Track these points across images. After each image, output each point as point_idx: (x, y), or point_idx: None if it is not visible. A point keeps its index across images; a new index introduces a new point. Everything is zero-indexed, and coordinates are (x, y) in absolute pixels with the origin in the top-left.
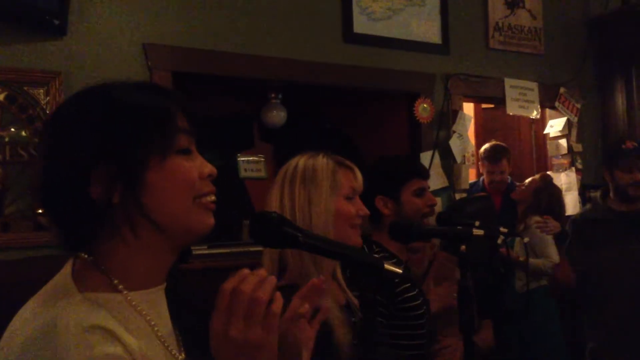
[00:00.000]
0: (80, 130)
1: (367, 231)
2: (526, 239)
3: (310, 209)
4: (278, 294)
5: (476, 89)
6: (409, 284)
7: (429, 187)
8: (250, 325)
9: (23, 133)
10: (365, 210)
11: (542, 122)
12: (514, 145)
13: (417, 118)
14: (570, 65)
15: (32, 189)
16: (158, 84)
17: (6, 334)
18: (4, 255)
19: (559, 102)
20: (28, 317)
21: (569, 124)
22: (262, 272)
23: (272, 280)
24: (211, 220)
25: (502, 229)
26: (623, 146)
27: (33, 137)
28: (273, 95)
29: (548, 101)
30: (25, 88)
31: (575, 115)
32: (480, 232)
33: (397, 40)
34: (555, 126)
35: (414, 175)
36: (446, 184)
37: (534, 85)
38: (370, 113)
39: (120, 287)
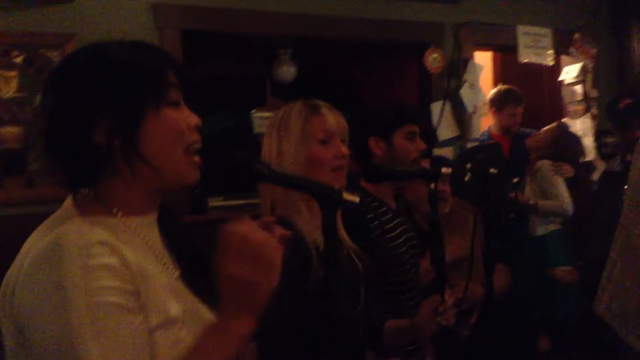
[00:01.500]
0: (82, 85)
1: (355, 178)
2: (515, 179)
3: (281, 157)
4: (279, 244)
5: (487, 37)
6: (390, 215)
7: (418, 133)
8: (253, 267)
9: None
10: (343, 151)
11: (559, 69)
12: (534, 93)
13: (428, 68)
14: (585, 10)
15: (40, 139)
16: (152, 43)
17: (17, 259)
18: (29, 210)
19: (574, 48)
20: (35, 240)
21: (584, 69)
22: (268, 220)
23: (277, 231)
24: (197, 174)
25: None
26: (619, 106)
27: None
28: (282, 51)
29: (563, 47)
30: (41, 51)
31: (591, 61)
32: (448, 170)
33: None
34: (570, 72)
35: (406, 119)
36: (457, 133)
37: (547, 31)
38: (380, 65)
39: (119, 214)
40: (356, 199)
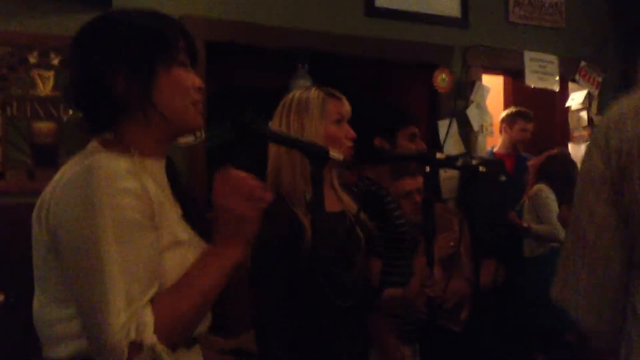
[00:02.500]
0: (105, 45)
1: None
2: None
3: (303, 135)
4: (268, 192)
5: (495, 60)
6: (394, 203)
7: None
8: (245, 203)
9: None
10: (352, 134)
11: (567, 95)
12: (545, 118)
13: (436, 88)
14: (592, 39)
15: (65, 94)
16: (166, 14)
17: (50, 184)
18: None
19: (580, 76)
20: (67, 169)
21: (589, 96)
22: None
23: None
24: (201, 120)
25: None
26: None
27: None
28: (300, 65)
29: (569, 74)
30: None
31: (596, 88)
32: (442, 155)
33: (417, 13)
34: (576, 99)
35: (409, 121)
36: (463, 150)
37: (553, 58)
38: (391, 83)
39: (135, 154)
40: (340, 157)
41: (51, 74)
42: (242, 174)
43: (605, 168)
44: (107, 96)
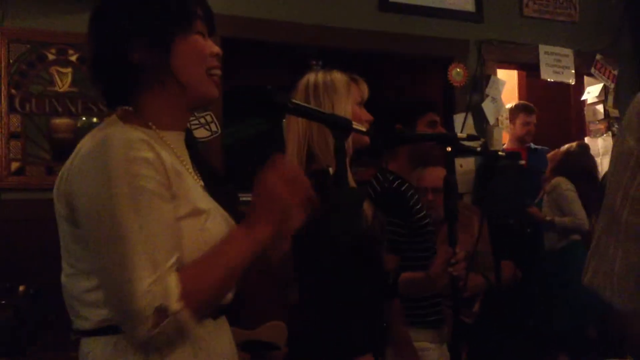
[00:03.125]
0: (122, 14)
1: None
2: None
3: (334, 112)
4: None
5: (510, 54)
6: (417, 195)
7: (439, 123)
8: (288, 189)
9: (92, 89)
10: (369, 116)
11: (583, 89)
12: (561, 111)
13: (451, 82)
14: (607, 33)
15: (86, 68)
16: None
17: (70, 157)
18: None
19: (595, 69)
20: (85, 141)
21: (605, 90)
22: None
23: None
24: (216, 92)
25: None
26: None
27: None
28: (314, 62)
29: (585, 68)
30: None
31: (612, 82)
32: (463, 135)
33: (431, 8)
34: (592, 92)
35: (429, 108)
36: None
37: (569, 51)
38: (406, 77)
39: (153, 127)
40: (363, 128)
41: (69, 70)
42: (287, 161)
43: (639, 149)
44: (125, 66)
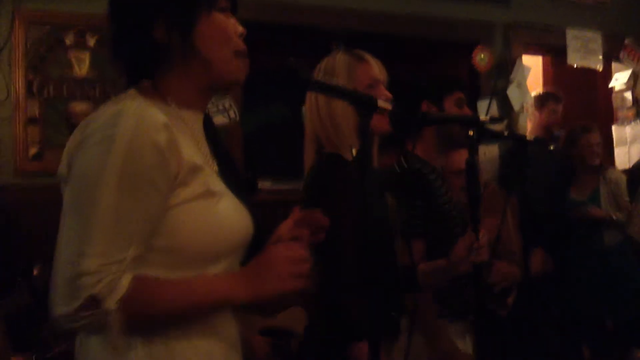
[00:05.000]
0: None
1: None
2: None
3: (329, 102)
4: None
5: (537, 38)
6: (441, 180)
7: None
8: (292, 273)
9: (111, 73)
10: (387, 95)
11: (611, 75)
12: (587, 98)
13: (475, 67)
14: (637, 16)
15: (109, 47)
16: None
17: (81, 124)
18: None
19: (624, 53)
20: (100, 111)
21: (634, 76)
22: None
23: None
24: (243, 75)
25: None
26: None
27: (119, 77)
28: (335, 45)
29: (613, 52)
30: None
31: None
32: (486, 118)
33: None
34: (620, 79)
35: (456, 86)
36: (503, 130)
37: (597, 35)
38: (430, 62)
39: (173, 104)
40: (389, 106)
41: (87, 55)
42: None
43: None
44: (148, 42)
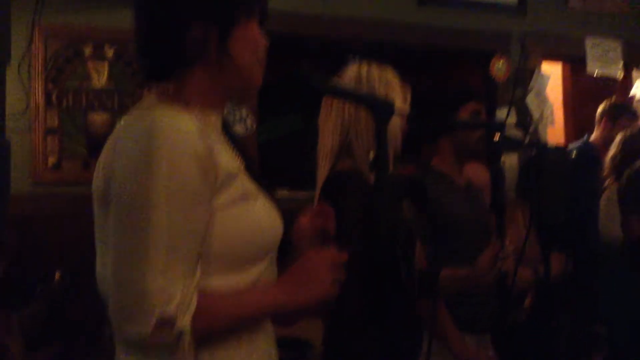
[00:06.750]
0: None
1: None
2: None
3: (355, 111)
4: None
5: (555, 47)
6: (460, 192)
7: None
8: (332, 276)
9: (129, 85)
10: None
11: (631, 84)
12: None
13: (493, 76)
14: None
15: (136, 44)
16: None
17: (108, 142)
18: None
19: None
20: (126, 125)
21: None
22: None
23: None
24: (261, 80)
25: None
26: None
27: (137, 89)
28: (351, 56)
29: (634, 61)
30: (130, 46)
31: None
32: (512, 120)
33: (472, 1)
34: None
35: (471, 97)
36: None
37: (617, 43)
38: (446, 72)
39: (197, 107)
40: (407, 109)
41: (105, 66)
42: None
43: None
44: (183, 41)
